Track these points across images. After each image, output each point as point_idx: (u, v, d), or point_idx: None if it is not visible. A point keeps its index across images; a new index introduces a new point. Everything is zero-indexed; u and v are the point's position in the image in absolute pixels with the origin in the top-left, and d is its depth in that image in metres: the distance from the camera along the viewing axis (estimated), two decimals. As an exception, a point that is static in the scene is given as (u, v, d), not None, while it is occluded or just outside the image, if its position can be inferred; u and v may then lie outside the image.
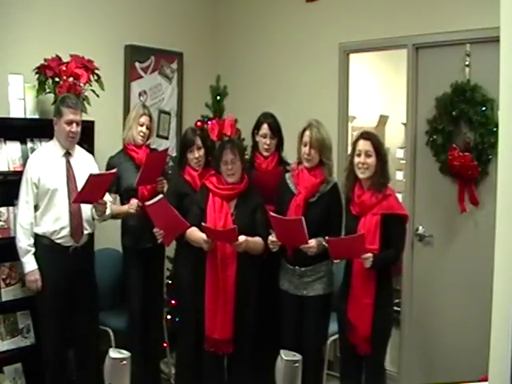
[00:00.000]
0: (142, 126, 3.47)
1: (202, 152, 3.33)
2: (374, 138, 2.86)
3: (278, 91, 4.30)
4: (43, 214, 3.06)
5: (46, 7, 3.57)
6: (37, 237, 3.07)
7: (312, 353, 3.04)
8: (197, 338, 3.17)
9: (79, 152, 3.24)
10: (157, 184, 3.39)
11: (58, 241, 3.06)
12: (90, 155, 3.34)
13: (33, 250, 3.05)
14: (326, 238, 2.77)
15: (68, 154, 3.15)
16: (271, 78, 4.38)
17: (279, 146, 3.40)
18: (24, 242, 3.04)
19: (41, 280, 3.05)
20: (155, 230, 3.05)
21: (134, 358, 2.42)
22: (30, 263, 3.04)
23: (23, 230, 3.04)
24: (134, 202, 3.33)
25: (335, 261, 2.87)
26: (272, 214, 2.89)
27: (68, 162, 3.13)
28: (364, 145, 2.84)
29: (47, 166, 3.07)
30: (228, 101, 4.21)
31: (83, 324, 3.23)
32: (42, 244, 3.06)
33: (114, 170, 3.13)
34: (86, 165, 3.21)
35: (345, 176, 2.99)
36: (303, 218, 2.80)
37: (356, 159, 2.85)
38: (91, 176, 2.91)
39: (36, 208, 3.07)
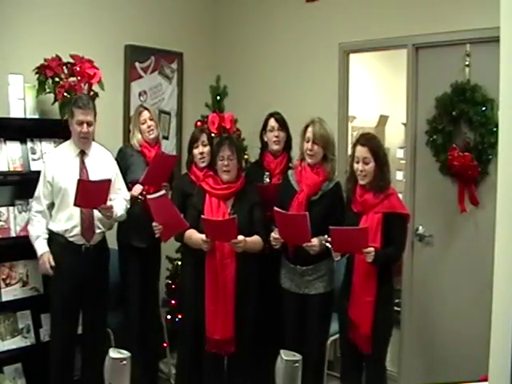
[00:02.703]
0: (144, 123, 3.49)
1: (206, 149, 3.34)
2: (371, 143, 2.84)
3: (277, 91, 4.30)
4: (58, 212, 3.08)
5: (46, 7, 3.57)
6: (53, 234, 3.09)
7: (314, 352, 3.06)
8: (197, 338, 3.17)
9: (96, 151, 3.23)
10: (161, 188, 3.38)
11: (70, 239, 3.07)
12: (109, 153, 3.31)
13: (43, 235, 3.08)
14: (330, 227, 2.74)
15: (83, 154, 3.15)
16: (271, 78, 4.38)
17: (288, 144, 3.41)
18: (33, 231, 3.09)
19: (54, 277, 3.07)
20: (154, 224, 3.06)
21: (133, 357, 2.42)
22: (40, 246, 3.07)
23: (32, 222, 3.10)
24: (138, 186, 3.34)
25: (336, 258, 2.85)
26: (276, 209, 2.87)
27: (82, 162, 3.13)
28: (361, 151, 2.82)
29: (61, 166, 3.09)
30: (228, 101, 4.22)
31: (93, 324, 3.23)
32: (57, 241, 3.09)
33: (108, 178, 3.07)
34: (102, 164, 3.20)
35: (346, 178, 3.00)
36: (308, 214, 2.80)
37: (355, 165, 2.86)
38: (80, 181, 2.92)
39: (53, 206, 3.10)
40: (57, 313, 3.12)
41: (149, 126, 3.50)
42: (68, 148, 3.17)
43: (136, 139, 3.51)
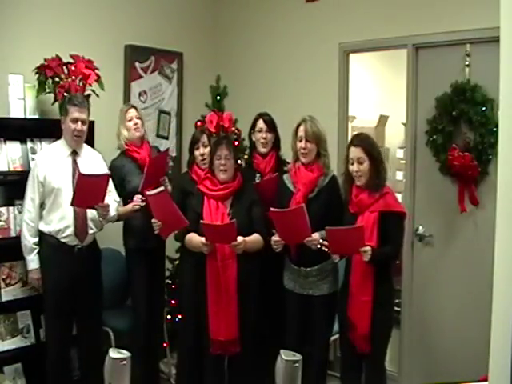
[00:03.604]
0: (130, 120, 3.46)
1: (207, 150, 3.35)
2: (364, 143, 2.85)
3: (277, 91, 4.30)
4: (49, 213, 3.06)
5: (46, 7, 3.57)
6: (43, 235, 3.08)
7: (319, 352, 3.07)
8: (197, 338, 3.17)
9: (87, 151, 3.23)
10: (161, 184, 3.37)
11: (63, 240, 3.06)
12: (99, 154, 3.31)
13: (37, 248, 3.08)
14: (326, 227, 2.74)
15: (75, 154, 3.14)
16: (271, 78, 4.38)
17: (276, 144, 3.41)
18: (29, 240, 3.07)
19: (46, 278, 3.08)
20: (153, 220, 3.06)
21: (133, 358, 2.42)
22: (34, 261, 3.09)
23: (28, 227, 3.06)
24: (137, 197, 3.30)
25: (335, 260, 2.86)
26: (272, 209, 2.86)
27: (74, 162, 3.12)
28: (355, 152, 2.83)
29: (53, 165, 3.07)
30: (228, 101, 4.22)
31: (87, 324, 3.22)
32: (48, 242, 3.07)
33: (107, 173, 3.10)
34: (93, 164, 3.19)
35: (342, 179, 3.00)
36: (304, 205, 2.79)
37: (350, 167, 2.86)
38: (80, 176, 2.90)
39: (43, 206, 3.08)
40: (51, 314, 3.11)
41: (135, 124, 3.46)
42: (60, 147, 3.14)
43: (123, 137, 3.46)
